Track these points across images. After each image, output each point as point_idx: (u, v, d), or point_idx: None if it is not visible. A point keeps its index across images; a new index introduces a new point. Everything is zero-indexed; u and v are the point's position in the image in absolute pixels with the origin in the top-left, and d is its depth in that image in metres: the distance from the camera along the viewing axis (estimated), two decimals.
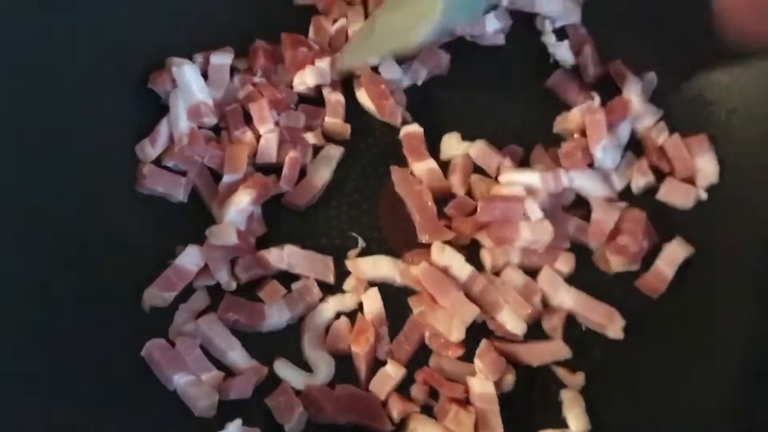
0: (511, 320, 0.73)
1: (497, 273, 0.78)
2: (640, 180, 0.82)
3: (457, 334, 0.72)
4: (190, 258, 0.73)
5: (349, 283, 0.77)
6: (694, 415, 0.70)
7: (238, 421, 0.66)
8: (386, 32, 0.86)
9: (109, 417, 0.63)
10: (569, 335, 0.75)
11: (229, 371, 0.71)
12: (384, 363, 0.73)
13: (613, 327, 0.75)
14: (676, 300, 0.77)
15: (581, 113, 0.84)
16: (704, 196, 0.81)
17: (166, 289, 0.72)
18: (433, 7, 0.82)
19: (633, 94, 0.86)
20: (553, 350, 0.74)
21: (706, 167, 0.82)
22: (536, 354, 0.74)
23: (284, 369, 0.72)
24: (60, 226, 0.69)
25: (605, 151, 0.82)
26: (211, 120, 0.80)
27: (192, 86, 0.79)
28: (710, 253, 0.78)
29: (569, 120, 0.85)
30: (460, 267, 0.75)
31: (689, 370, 0.73)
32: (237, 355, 0.71)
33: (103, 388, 0.65)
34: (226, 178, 0.78)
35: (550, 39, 0.90)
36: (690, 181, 0.82)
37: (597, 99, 0.85)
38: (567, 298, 0.76)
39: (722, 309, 0.75)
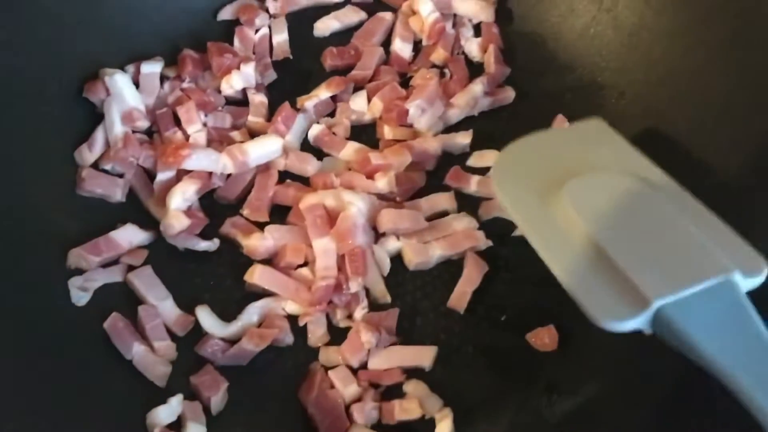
0: None
1: None
2: None
3: None
4: (126, 234, 0.79)
5: None
6: None
7: (179, 396, 0.71)
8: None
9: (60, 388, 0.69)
10: None
11: None
12: None
13: None
14: None
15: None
16: None
17: (93, 254, 0.77)
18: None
19: (479, 83, 0.92)
20: None
21: None
22: None
23: (205, 316, 0.77)
24: (3, 227, 0.74)
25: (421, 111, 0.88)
26: (143, 124, 0.86)
27: (124, 93, 0.85)
28: None
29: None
30: None
31: None
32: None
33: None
34: (160, 176, 0.83)
35: (467, 32, 0.98)
36: None
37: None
38: None
39: None
